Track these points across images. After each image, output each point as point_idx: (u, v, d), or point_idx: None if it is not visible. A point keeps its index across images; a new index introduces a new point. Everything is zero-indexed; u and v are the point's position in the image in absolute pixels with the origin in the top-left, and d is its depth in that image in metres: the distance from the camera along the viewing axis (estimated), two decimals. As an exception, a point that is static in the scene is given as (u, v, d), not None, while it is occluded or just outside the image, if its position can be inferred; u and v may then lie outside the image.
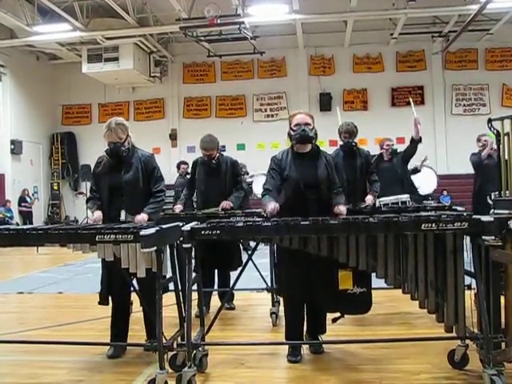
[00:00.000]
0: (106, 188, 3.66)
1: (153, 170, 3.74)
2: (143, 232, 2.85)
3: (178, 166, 9.40)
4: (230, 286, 4.12)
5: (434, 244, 2.93)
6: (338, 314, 3.55)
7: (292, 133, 3.56)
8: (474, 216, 2.94)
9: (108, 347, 3.59)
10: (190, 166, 5.26)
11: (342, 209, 3.49)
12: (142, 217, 3.57)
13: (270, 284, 4.56)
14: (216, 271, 4.93)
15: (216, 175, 4.88)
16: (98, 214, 3.65)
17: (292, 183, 3.47)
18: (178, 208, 5.00)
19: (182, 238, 3.04)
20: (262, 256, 4.88)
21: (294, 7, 12.36)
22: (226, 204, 4.77)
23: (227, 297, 4.51)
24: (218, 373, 3.24)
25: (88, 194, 3.88)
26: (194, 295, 3.22)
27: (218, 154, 4.90)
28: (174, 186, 9.37)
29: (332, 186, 3.58)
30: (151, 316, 3.59)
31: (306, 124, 3.54)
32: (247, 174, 10.86)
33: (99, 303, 3.67)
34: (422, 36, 15.08)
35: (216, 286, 4.97)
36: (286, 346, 3.49)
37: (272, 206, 3.34)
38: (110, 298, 3.65)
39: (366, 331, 3.96)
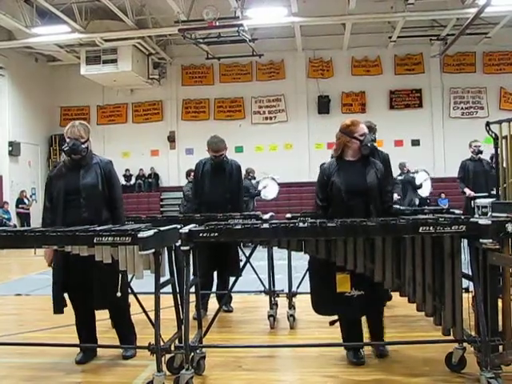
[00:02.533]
0: (62, 191, 3.51)
1: (110, 175, 3.62)
2: (141, 234, 2.85)
3: (189, 174, 9.68)
4: (228, 289, 4.11)
5: (431, 247, 2.93)
6: (336, 317, 3.55)
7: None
8: (472, 219, 2.95)
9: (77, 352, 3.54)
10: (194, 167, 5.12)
11: None
12: None
13: (267, 286, 4.55)
14: (215, 273, 4.92)
15: (221, 177, 4.87)
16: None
17: (338, 190, 3.43)
18: None
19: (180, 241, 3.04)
20: (260, 258, 4.88)
21: (293, 10, 12.39)
22: None
23: (225, 299, 4.50)
24: (215, 375, 3.24)
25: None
26: (192, 297, 3.22)
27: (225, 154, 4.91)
28: (183, 190, 9.75)
29: (383, 197, 3.51)
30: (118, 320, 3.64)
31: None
32: (254, 178, 10.95)
33: (54, 312, 3.40)
34: (421, 39, 15.14)
35: (214, 288, 4.96)
36: (284, 349, 3.48)
37: None
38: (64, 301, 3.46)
39: (364, 334, 3.95)
